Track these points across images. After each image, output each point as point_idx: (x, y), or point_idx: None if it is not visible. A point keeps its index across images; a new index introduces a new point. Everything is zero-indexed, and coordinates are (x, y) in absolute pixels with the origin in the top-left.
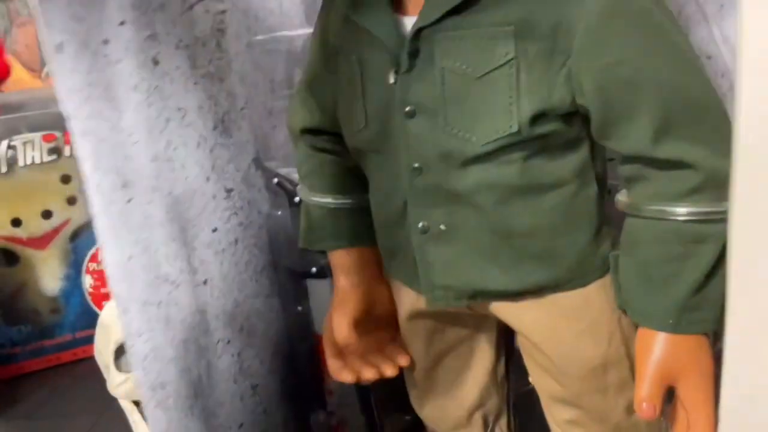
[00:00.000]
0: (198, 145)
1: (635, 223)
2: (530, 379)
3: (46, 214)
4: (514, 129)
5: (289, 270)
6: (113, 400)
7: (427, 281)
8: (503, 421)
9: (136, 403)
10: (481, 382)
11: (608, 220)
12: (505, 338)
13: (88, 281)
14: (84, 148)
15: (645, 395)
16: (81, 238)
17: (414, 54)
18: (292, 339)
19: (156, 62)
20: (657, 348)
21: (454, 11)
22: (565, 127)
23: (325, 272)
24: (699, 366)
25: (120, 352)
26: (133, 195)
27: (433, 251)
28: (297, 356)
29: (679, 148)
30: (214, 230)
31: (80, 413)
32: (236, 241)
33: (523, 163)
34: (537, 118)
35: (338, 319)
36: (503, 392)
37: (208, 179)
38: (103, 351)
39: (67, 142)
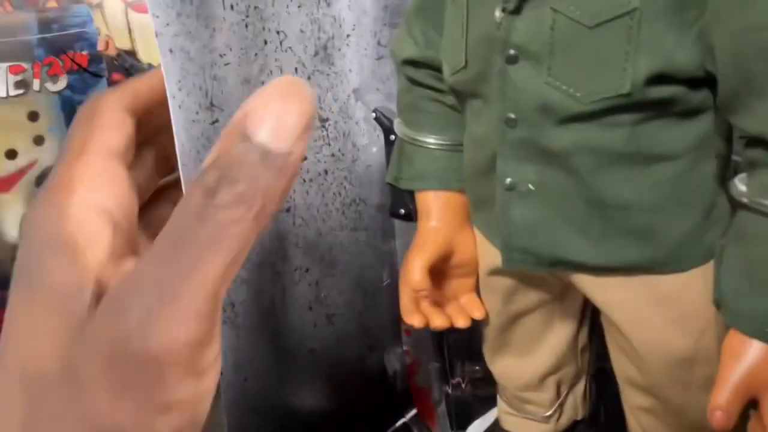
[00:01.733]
0: (295, 72)
1: (747, 215)
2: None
3: (11, 154)
4: (625, 89)
5: (378, 207)
6: None
7: (507, 241)
8: (578, 390)
9: None
10: (558, 349)
11: (723, 204)
12: (591, 307)
13: None
14: (170, 66)
15: (721, 403)
16: None
17: None
18: (375, 275)
19: None
20: (746, 355)
21: None
22: (688, 93)
23: (412, 215)
24: None
25: None
26: (219, 117)
27: (518, 210)
28: (377, 292)
29: None
30: (303, 159)
31: None
32: (326, 171)
33: (632, 128)
34: (654, 80)
35: (413, 262)
36: (582, 362)
37: None
38: None
39: (37, 75)
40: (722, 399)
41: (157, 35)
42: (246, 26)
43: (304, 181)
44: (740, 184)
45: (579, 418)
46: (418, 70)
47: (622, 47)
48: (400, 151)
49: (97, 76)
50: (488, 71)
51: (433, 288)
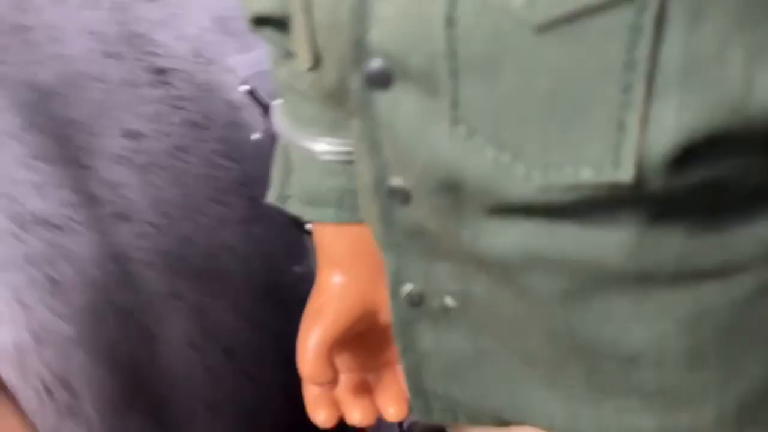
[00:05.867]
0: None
1: None
2: None
3: None
4: (624, 176)
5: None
6: None
7: (417, 384)
8: None
9: None
10: None
11: None
12: None
13: None
14: None
15: None
16: None
17: None
18: (287, 279)
19: None
20: None
21: None
22: (761, 167)
23: None
24: None
25: None
26: None
27: (430, 338)
28: (297, 302)
29: None
30: (134, 136)
31: None
32: (183, 148)
33: (644, 230)
34: (694, 153)
35: (306, 340)
36: None
37: (109, 54)
38: None
39: None
40: None
41: None
42: None
43: (141, 166)
44: None
45: None
46: (283, 35)
47: (614, 79)
48: (284, 158)
49: None
50: (350, 85)
51: (347, 362)
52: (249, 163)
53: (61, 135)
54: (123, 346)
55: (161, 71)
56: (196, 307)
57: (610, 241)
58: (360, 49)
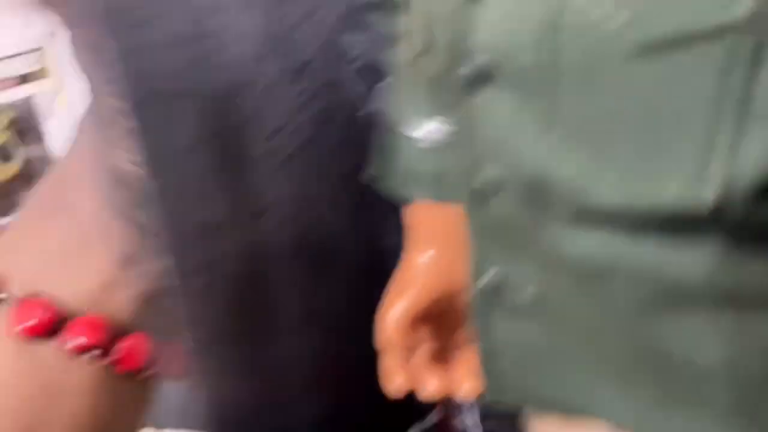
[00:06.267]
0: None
1: None
2: None
3: None
4: (706, 199)
5: None
6: None
7: (492, 375)
8: None
9: None
10: None
11: None
12: None
13: None
14: None
15: None
16: None
17: None
18: (386, 258)
19: None
20: None
21: None
22: None
23: None
24: None
25: None
26: None
27: (505, 328)
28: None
29: None
30: (273, 136)
31: None
32: (312, 142)
33: (726, 253)
34: None
35: (388, 311)
36: None
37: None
38: None
39: None
40: None
41: None
42: None
43: (277, 166)
44: None
45: None
46: (397, 18)
47: (707, 104)
48: (386, 133)
49: None
50: (452, 76)
51: (425, 336)
52: (364, 151)
53: (220, 144)
54: (234, 344)
55: (297, 69)
56: (305, 293)
57: (690, 261)
58: (464, 44)
